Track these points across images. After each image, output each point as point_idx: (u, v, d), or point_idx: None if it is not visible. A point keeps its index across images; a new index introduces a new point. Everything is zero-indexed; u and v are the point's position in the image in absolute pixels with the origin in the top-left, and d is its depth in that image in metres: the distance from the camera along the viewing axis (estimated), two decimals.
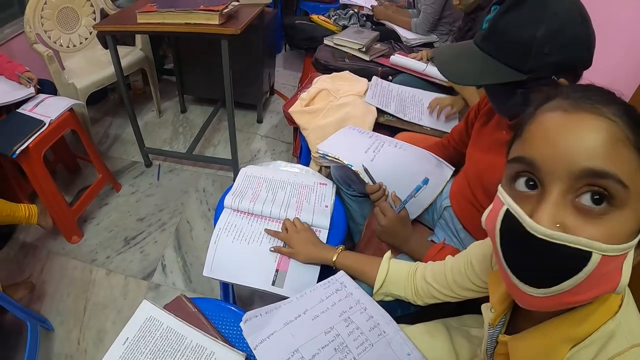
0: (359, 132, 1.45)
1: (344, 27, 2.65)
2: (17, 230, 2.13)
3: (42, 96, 1.99)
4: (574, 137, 0.46)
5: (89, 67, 2.57)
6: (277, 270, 1.10)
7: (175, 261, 1.98)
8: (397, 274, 0.97)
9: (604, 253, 0.43)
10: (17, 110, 1.89)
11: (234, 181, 1.37)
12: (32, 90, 1.95)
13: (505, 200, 0.50)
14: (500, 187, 0.53)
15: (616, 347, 0.49)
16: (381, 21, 2.76)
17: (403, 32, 2.56)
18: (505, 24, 0.84)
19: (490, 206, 0.55)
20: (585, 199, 0.45)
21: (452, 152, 1.41)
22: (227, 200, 1.25)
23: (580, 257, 0.43)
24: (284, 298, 1.01)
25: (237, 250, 1.15)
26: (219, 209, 1.27)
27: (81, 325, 1.72)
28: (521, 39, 0.82)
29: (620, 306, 0.52)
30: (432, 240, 1.25)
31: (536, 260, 0.47)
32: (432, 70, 1.97)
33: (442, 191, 1.34)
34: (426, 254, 1.06)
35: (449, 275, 0.88)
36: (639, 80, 1.31)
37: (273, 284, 1.09)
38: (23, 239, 2.10)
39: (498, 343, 0.65)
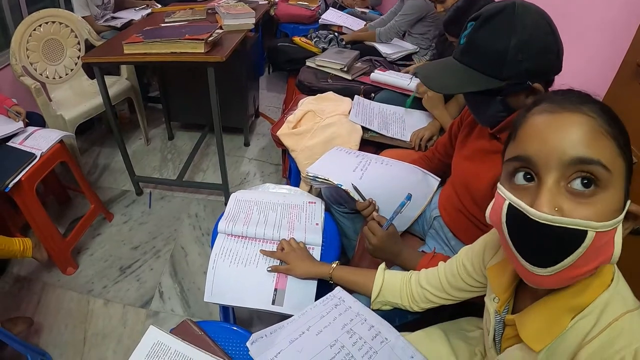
0: (346, 152, 1.51)
1: (324, 49, 2.72)
2: (11, 264, 2.12)
3: (31, 129, 2.00)
4: (561, 133, 0.54)
5: (76, 97, 2.61)
6: (275, 289, 1.15)
7: (172, 287, 2.00)
8: (393, 283, 1.02)
9: (597, 230, 0.51)
10: (6, 143, 1.90)
11: (225, 205, 1.40)
12: (21, 124, 1.97)
13: (505, 195, 0.58)
14: (499, 185, 0.61)
15: (612, 314, 0.56)
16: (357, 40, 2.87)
17: (381, 48, 2.66)
18: (481, 38, 0.94)
19: (492, 203, 0.62)
20: (577, 184, 0.53)
21: (437, 164, 1.48)
22: (221, 226, 1.29)
23: (578, 236, 0.51)
24: (284, 316, 1.05)
25: (235, 274, 1.19)
26: (214, 234, 1.31)
27: (81, 356, 1.72)
28: (496, 49, 0.91)
29: (612, 279, 0.59)
30: (422, 251, 1.30)
31: (541, 243, 0.54)
32: (413, 85, 2.04)
33: (430, 202, 1.40)
34: (418, 263, 1.11)
35: (442, 278, 0.94)
36: (608, 82, 1.39)
37: (273, 302, 1.13)
38: (17, 272, 2.09)
39: (505, 327, 0.71)
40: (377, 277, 1.04)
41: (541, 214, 0.52)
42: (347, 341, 0.92)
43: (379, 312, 1.03)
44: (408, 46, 2.72)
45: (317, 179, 1.33)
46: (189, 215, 2.44)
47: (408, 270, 1.07)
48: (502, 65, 0.91)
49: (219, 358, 0.96)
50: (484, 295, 0.83)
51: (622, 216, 0.53)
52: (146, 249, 2.21)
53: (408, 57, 2.70)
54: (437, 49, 2.38)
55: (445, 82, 1.01)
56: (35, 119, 2.16)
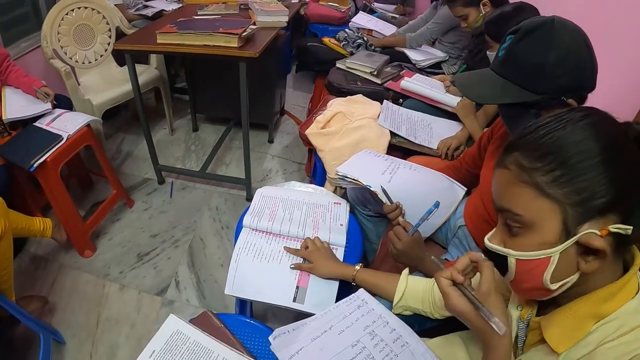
0: (375, 155, 1.51)
1: (352, 54, 2.71)
2: (28, 243, 2.15)
3: (59, 111, 2.03)
4: (493, 187, 0.70)
5: (104, 83, 2.63)
6: (297, 287, 1.14)
7: (189, 278, 2.00)
8: (415, 288, 1.02)
9: (515, 257, 0.64)
10: (34, 124, 1.92)
11: (246, 200, 1.40)
12: (49, 105, 1.99)
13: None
14: None
15: (636, 321, 0.59)
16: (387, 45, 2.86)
17: (411, 54, 2.65)
18: (520, 51, 0.96)
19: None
20: (507, 225, 0.66)
21: (465, 174, 1.46)
22: (246, 220, 1.29)
23: (506, 259, 0.66)
24: (302, 314, 1.04)
25: (257, 268, 1.18)
26: (239, 228, 1.31)
27: (93, 339, 1.73)
28: (534, 63, 0.93)
29: (638, 291, 0.62)
30: (445, 259, 1.29)
31: (496, 262, 0.69)
32: (443, 98, 2.03)
33: (455, 210, 1.38)
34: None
35: None
36: None
37: (294, 300, 1.12)
38: (34, 251, 2.12)
39: (528, 333, 0.74)
40: (401, 281, 1.03)
41: (488, 242, 0.70)
42: (368, 342, 0.92)
43: (399, 317, 1.01)
44: (438, 54, 2.70)
45: (346, 179, 1.33)
46: (210, 207, 2.44)
47: (430, 277, 1.06)
48: (539, 79, 0.93)
49: (238, 352, 0.95)
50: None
51: (551, 250, 0.60)
52: (165, 238, 2.22)
53: (437, 65, 2.68)
54: (467, 63, 2.36)
55: (482, 92, 1.03)
56: (63, 102, 2.18)
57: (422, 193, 1.34)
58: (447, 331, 1.01)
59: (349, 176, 1.32)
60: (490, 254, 0.70)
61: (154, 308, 1.86)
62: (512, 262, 0.65)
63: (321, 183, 1.81)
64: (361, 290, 1.06)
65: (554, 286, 0.62)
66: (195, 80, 2.93)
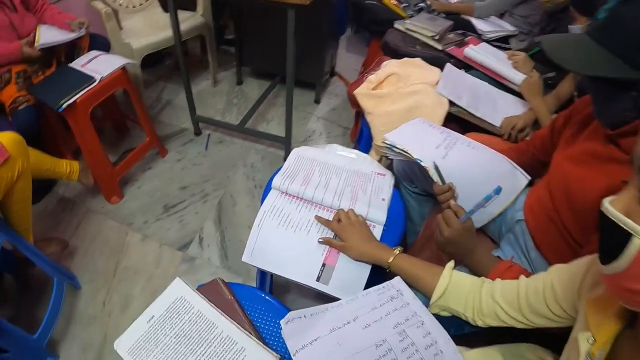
0: (430, 125, 1.31)
1: (411, 17, 2.48)
2: (58, 185, 2.12)
3: (95, 53, 1.94)
4: None
5: (147, 28, 2.53)
6: (323, 265, 0.98)
7: (214, 235, 1.91)
8: (460, 287, 0.84)
9: None
10: (69, 65, 1.85)
11: (284, 160, 1.26)
12: (83, 31, 1.92)
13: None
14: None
15: None
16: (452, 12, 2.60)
17: (478, 23, 2.40)
18: (628, 15, 0.74)
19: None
20: None
21: (530, 159, 1.26)
22: (276, 181, 1.14)
23: (623, 237, 0.47)
24: (327, 296, 0.89)
25: (281, 237, 1.03)
26: (267, 189, 1.17)
27: (109, 287, 1.68)
28: None
29: None
30: (497, 256, 1.10)
31: (603, 236, 0.51)
32: (509, 73, 1.79)
33: (514, 201, 1.18)
34: (492, 270, 0.92)
35: (522, 296, 0.76)
36: None
37: (318, 279, 0.97)
38: (62, 193, 2.08)
39: None
40: (443, 276, 0.85)
41: (609, 207, 0.49)
42: (396, 344, 0.76)
43: (435, 315, 0.86)
44: (507, 27, 2.44)
45: (394, 149, 1.14)
46: (245, 164, 2.33)
47: (477, 275, 0.88)
48: None
49: (244, 330, 0.81)
50: (565, 327, 0.71)
51: None
52: (194, 191, 2.13)
53: (504, 40, 2.42)
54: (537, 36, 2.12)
55: (571, 58, 0.81)
56: (99, 41, 2.10)
57: (480, 176, 1.16)
58: (486, 341, 0.85)
59: (397, 146, 1.13)
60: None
61: (174, 263, 1.79)
62: (636, 245, 0.46)
63: (366, 150, 1.64)
64: (397, 278, 0.90)
65: None
66: (243, 31, 2.78)
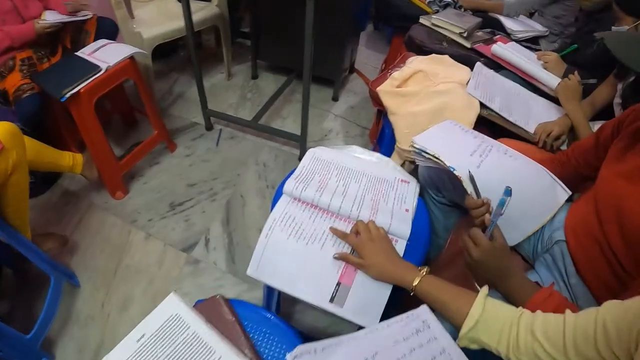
0: (462, 129, 1.18)
1: (436, 12, 2.36)
2: (62, 177, 2.04)
3: (103, 41, 1.85)
4: None
5: (160, 17, 2.43)
6: (338, 284, 0.87)
7: (221, 237, 1.81)
8: (494, 317, 0.72)
9: None
10: (75, 53, 1.77)
11: (299, 160, 1.14)
12: (88, 13, 1.85)
13: None
14: None
15: None
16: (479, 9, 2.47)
17: (507, 22, 2.28)
18: None
19: None
20: None
21: (571, 172, 1.13)
22: (288, 186, 1.03)
23: None
24: (341, 319, 0.78)
25: (292, 250, 0.92)
26: (277, 194, 1.05)
27: (109, 287, 1.61)
28: None
29: None
30: (536, 282, 0.98)
31: None
32: (543, 75, 1.67)
33: (552, 219, 1.06)
34: (530, 299, 0.79)
35: (568, 336, 0.63)
36: None
37: (331, 300, 0.85)
38: (67, 186, 2.00)
39: None
40: (476, 304, 0.72)
41: None
42: None
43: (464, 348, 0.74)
44: (538, 27, 2.32)
45: (424, 154, 1.02)
46: (257, 162, 2.22)
47: (510, 302, 0.76)
48: None
49: (245, 358, 0.70)
50: None
51: None
52: (203, 189, 2.03)
53: (533, 40, 2.29)
54: (575, 42, 1.98)
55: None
56: (108, 25, 2.00)
57: (516, 189, 1.03)
58: None
59: (428, 151, 1.01)
60: None
61: (177, 265, 1.69)
62: None
63: (387, 153, 1.52)
64: (424, 308, 0.77)
65: None
66: (259, 23, 2.67)
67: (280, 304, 1.32)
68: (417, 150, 1.03)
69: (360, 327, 0.84)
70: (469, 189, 0.94)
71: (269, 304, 1.23)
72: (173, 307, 0.78)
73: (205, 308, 0.79)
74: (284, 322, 0.83)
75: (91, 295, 1.57)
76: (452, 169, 0.95)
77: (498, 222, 0.85)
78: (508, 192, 0.85)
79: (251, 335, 0.79)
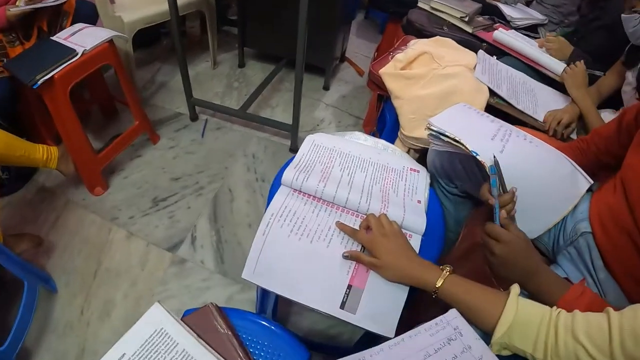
0: (477, 112, 1.07)
1: None
2: (39, 172, 1.91)
3: (80, 25, 1.72)
4: None
5: (141, 1, 2.28)
6: (349, 287, 0.76)
7: (208, 235, 1.70)
8: (528, 319, 0.63)
9: None
10: (51, 38, 1.64)
11: (290, 151, 1.03)
12: None
13: None
14: None
15: None
16: None
17: (507, 10, 2.21)
18: None
19: None
20: None
21: (591, 159, 1.07)
22: (288, 176, 0.91)
23: None
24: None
25: (294, 249, 0.81)
26: (274, 186, 0.94)
27: (88, 291, 1.49)
28: None
29: None
30: (566, 279, 0.89)
31: None
32: (547, 60, 1.61)
33: (574, 209, 0.97)
34: (561, 297, 0.71)
35: (615, 337, 0.56)
36: None
37: (342, 306, 0.74)
38: (43, 182, 1.87)
39: None
40: (508, 306, 0.64)
41: None
42: None
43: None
44: (537, 15, 2.28)
45: (443, 137, 0.90)
46: (245, 154, 2.10)
47: (547, 304, 0.66)
48: None
49: None
50: None
51: None
52: (188, 183, 1.91)
53: (532, 29, 2.25)
54: (578, 30, 1.93)
55: None
56: (87, 8, 1.87)
57: (537, 177, 0.95)
58: None
59: (447, 134, 0.90)
60: None
61: (162, 266, 1.57)
62: None
63: (388, 141, 1.41)
64: (453, 312, 0.67)
65: None
66: (247, 9, 2.54)
67: (277, 307, 1.21)
68: (434, 133, 0.92)
69: (368, 332, 0.74)
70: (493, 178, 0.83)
71: (263, 307, 1.12)
72: (158, 320, 0.66)
73: (196, 319, 0.68)
74: (289, 334, 0.72)
75: (69, 301, 1.45)
76: (475, 154, 0.84)
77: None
78: (493, 169, 0.80)
79: (250, 350, 0.67)
